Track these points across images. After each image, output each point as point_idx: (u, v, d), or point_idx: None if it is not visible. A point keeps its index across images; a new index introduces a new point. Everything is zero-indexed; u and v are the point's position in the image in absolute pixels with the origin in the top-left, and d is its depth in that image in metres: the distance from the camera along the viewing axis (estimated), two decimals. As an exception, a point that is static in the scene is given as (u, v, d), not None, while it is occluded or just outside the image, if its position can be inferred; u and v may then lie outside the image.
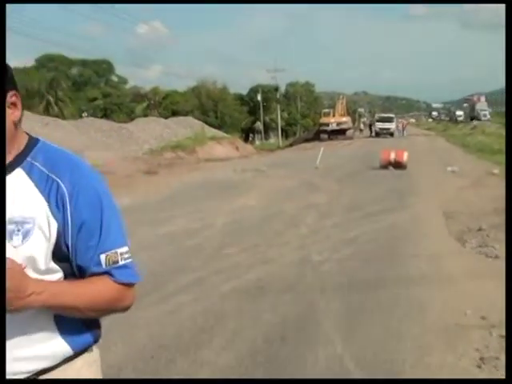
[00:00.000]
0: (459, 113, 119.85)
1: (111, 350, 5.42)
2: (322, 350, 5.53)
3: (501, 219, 11.96)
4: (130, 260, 1.98)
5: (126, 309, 2.05)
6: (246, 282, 7.98)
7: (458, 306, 6.70)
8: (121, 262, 1.94)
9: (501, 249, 9.56)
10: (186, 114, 62.85)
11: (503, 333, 5.76)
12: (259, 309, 6.84)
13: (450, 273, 8.39)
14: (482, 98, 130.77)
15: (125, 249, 1.96)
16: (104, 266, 1.90)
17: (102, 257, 1.89)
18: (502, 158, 27.71)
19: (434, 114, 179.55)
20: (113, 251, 1.91)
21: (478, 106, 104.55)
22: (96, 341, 2.11)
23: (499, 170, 22.10)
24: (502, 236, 10.44)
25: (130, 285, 2.01)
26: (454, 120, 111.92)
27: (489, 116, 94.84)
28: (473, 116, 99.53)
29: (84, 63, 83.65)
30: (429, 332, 5.98)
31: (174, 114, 64.99)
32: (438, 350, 5.44)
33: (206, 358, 5.35)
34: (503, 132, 51.92)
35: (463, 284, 7.74)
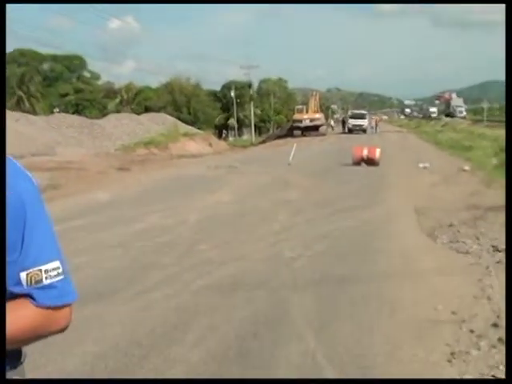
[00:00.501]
0: (433, 109, 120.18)
1: (84, 348, 5.40)
2: (294, 345, 5.54)
3: (471, 215, 12.13)
4: (59, 278, 1.68)
5: (58, 332, 1.74)
6: (218, 278, 7.98)
7: (428, 302, 6.75)
8: (45, 282, 1.65)
9: (471, 244, 9.68)
10: (158, 110, 62.70)
11: (473, 327, 5.84)
12: (232, 305, 6.84)
13: (421, 268, 8.46)
14: (454, 95, 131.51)
15: (53, 265, 1.67)
16: (25, 285, 1.63)
17: (23, 275, 1.62)
18: (473, 154, 28.13)
19: (407, 110, 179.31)
20: (36, 269, 1.63)
21: (454, 103, 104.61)
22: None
23: (470, 167, 22.35)
24: (473, 232, 10.58)
25: (57, 307, 1.69)
26: (427, 117, 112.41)
27: (465, 113, 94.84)
28: (448, 113, 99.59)
29: (55, 58, 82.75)
30: (400, 327, 6.03)
31: (147, 110, 64.80)
32: (408, 345, 5.49)
33: (179, 355, 5.34)
34: (474, 129, 52.57)
35: (434, 279, 7.81)
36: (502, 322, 5.88)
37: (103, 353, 5.38)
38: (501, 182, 17.39)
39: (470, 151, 30.15)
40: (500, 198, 14.32)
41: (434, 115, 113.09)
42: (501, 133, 40.80)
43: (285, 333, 5.91)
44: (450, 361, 5.12)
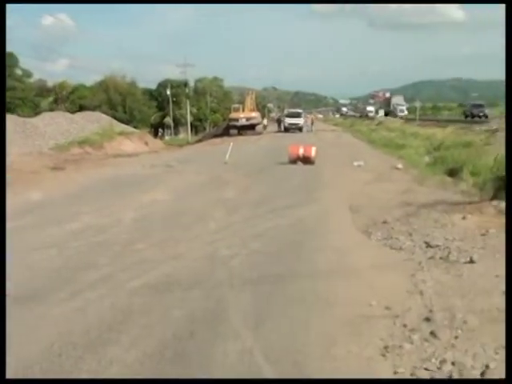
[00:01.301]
0: (370, 108, 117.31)
1: (18, 349, 5.28)
2: (231, 344, 5.55)
3: (404, 212, 12.36)
4: None
5: None
6: (154, 277, 7.91)
7: (363, 298, 6.85)
8: None
9: (405, 240, 9.86)
10: (93, 108, 61.62)
11: (406, 322, 5.96)
12: (168, 305, 6.80)
13: (355, 265, 8.57)
14: (387, 94, 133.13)
15: None
16: None
17: None
18: (405, 152, 28.68)
19: (344, 109, 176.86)
20: None
21: (394, 101, 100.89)
22: None
23: (403, 165, 22.78)
24: (406, 228, 10.79)
25: None
26: (365, 115, 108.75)
27: (406, 112, 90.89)
28: (388, 111, 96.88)
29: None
30: (335, 324, 6.10)
31: (82, 108, 63.61)
32: (343, 341, 5.56)
33: (115, 355, 5.29)
34: (406, 128, 53.47)
35: (368, 276, 7.93)
36: (435, 316, 6.03)
37: (38, 354, 5.28)
38: (432, 179, 17.82)
39: (403, 149, 30.73)
40: (432, 195, 14.68)
41: (371, 114, 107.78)
42: (432, 131, 41.85)
43: (222, 331, 5.91)
44: (383, 355, 5.22)
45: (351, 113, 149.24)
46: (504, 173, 12.19)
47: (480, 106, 64.92)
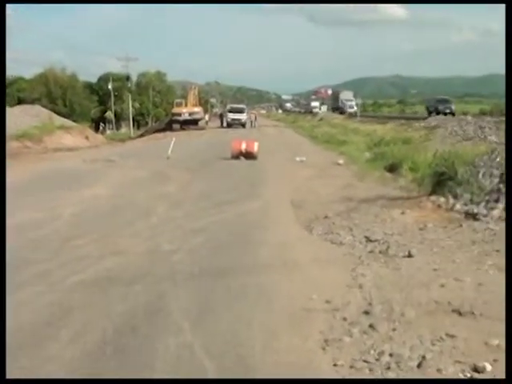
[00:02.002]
0: (315, 104, 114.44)
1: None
2: (172, 338, 5.52)
3: (345, 207, 12.51)
4: None
5: None
6: (95, 273, 7.80)
7: (304, 291, 6.90)
8: None
9: (345, 235, 9.97)
10: (32, 101, 60.37)
11: (346, 315, 6.03)
12: (109, 300, 6.72)
13: (297, 259, 8.63)
14: (329, 91, 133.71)
15: None
16: None
17: None
18: (346, 148, 29.03)
19: (288, 105, 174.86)
20: None
21: (343, 96, 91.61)
22: None
23: (344, 161, 23.04)
24: (347, 223, 10.91)
25: None
26: (309, 111, 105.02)
27: (356, 108, 79.52)
28: (336, 107, 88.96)
29: None
30: (277, 317, 6.13)
31: (21, 101, 62.36)
32: (285, 335, 5.59)
33: (53, 352, 5.19)
34: (347, 124, 54.08)
35: (310, 270, 7.99)
36: (373, 309, 6.12)
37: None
38: (373, 175, 18.08)
39: (344, 145, 31.10)
40: (372, 190, 14.89)
41: (315, 110, 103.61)
42: (373, 128, 42.43)
43: (163, 326, 5.88)
44: (324, 348, 5.27)
45: (296, 108, 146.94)
46: (443, 169, 12.47)
47: (446, 101, 54.56)
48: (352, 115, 69.09)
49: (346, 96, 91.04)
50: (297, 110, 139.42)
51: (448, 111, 48.86)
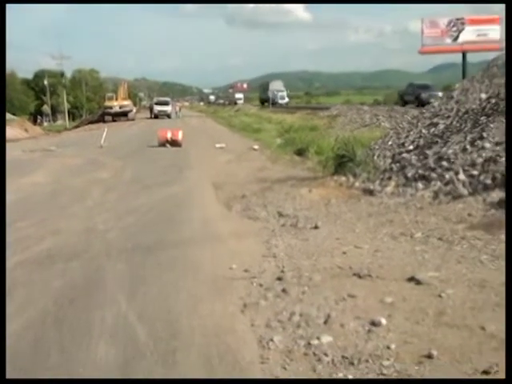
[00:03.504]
0: (239, 96, 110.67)
1: None
2: (108, 309, 5.45)
3: (260, 187, 12.59)
4: None
5: None
6: (35, 253, 7.59)
7: (225, 262, 6.93)
8: None
9: (260, 211, 10.05)
10: (-28, 96, 57.97)
11: (262, 282, 6.10)
12: (49, 276, 6.56)
13: (219, 234, 8.65)
14: (245, 85, 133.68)
15: None
16: None
17: None
18: (261, 135, 29.18)
19: (212, 97, 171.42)
20: None
21: (273, 87, 78.74)
22: None
23: (259, 146, 23.14)
24: (262, 201, 11.00)
25: None
26: (234, 103, 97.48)
27: (287, 99, 74.30)
28: (266, 98, 76.14)
29: None
30: (201, 285, 6.14)
31: (-40, 97, 59.70)
32: (208, 300, 5.61)
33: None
34: (262, 113, 54.27)
35: (229, 243, 8.03)
36: (285, 276, 6.21)
37: None
38: (284, 158, 18.24)
39: (259, 133, 31.26)
40: (283, 172, 15.03)
41: (240, 102, 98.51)
42: (283, 117, 42.82)
43: (99, 298, 5.79)
44: (243, 311, 5.31)
45: (220, 100, 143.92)
46: (344, 152, 12.69)
47: (427, 87, 39.09)
48: (269, 106, 67.81)
49: (277, 86, 79.62)
50: (221, 101, 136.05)
51: (433, 100, 28.26)
